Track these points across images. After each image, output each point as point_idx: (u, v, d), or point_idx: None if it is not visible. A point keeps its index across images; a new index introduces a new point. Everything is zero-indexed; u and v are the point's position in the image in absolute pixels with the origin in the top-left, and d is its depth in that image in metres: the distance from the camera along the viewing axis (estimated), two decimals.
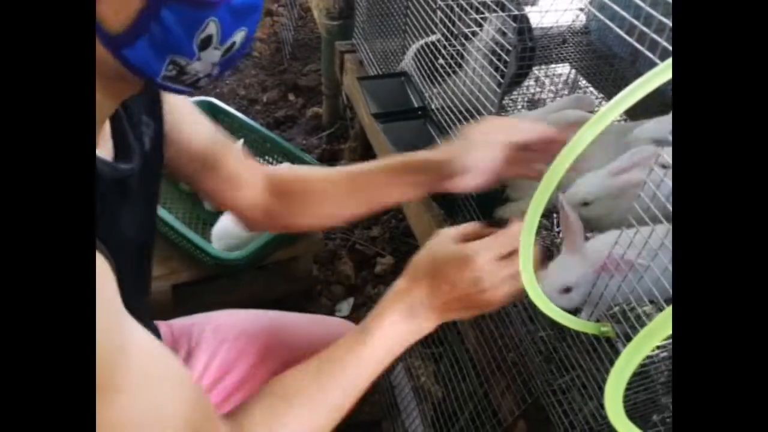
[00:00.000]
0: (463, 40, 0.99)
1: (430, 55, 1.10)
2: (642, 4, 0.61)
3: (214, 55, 0.49)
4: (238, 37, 0.50)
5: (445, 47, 1.01)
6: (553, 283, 0.82)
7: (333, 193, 0.81)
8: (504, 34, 0.84)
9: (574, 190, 1.05)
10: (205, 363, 0.87)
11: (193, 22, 0.46)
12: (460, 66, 1.02)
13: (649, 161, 1.11)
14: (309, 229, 1.32)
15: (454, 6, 1.00)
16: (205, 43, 0.48)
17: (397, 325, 0.61)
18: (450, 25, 1.03)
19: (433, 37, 1.07)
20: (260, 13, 0.51)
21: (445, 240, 0.65)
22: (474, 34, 1.00)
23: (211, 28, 0.47)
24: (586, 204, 1.06)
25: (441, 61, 1.06)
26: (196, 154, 0.73)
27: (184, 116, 0.71)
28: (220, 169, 0.76)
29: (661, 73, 0.43)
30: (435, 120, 1.12)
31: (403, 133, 1.10)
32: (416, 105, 1.15)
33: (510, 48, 0.82)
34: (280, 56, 2.52)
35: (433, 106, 1.16)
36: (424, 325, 0.63)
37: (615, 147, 1.12)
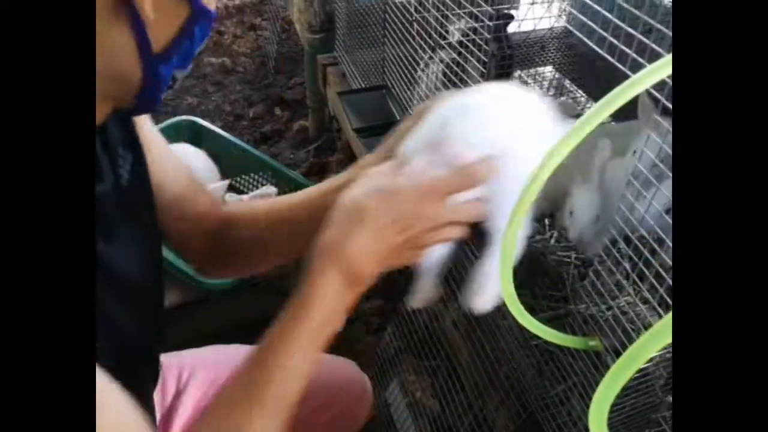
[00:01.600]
0: (440, 52, 0.98)
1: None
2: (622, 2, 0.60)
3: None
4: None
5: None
6: (584, 218, 0.86)
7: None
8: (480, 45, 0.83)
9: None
10: (193, 406, 0.82)
11: (205, 35, 0.47)
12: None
13: (569, 110, 1.12)
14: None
15: (429, 18, 0.99)
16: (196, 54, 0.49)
17: (335, 296, 0.51)
18: (426, 36, 1.02)
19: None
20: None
21: (377, 175, 0.53)
22: (450, 44, 0.99)
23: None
24: None
25: (420, 73, 1.05)
26: (164, 201, 0.68)
27: (155, 160, 0.65)
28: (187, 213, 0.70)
29: (634, 86, 0.42)
30: None
31: None
32: (399, 118, 1.14)
33: (486, 59, 0.82)
34: (265, 70, 2.52)
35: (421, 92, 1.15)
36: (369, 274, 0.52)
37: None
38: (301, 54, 2.59)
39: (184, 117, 1.64)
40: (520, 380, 0.87)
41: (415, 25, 1.02)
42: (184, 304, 1.36)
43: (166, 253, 1.26)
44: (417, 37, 1.03)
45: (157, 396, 0.79)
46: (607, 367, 0.63)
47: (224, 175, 1.63)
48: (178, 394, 0.83)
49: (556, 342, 0.61)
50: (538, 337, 0.88)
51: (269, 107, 2.31)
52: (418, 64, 1.05)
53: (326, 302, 0.51)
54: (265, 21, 2.81)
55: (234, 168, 1.64)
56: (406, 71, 1.14)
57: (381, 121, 1.16)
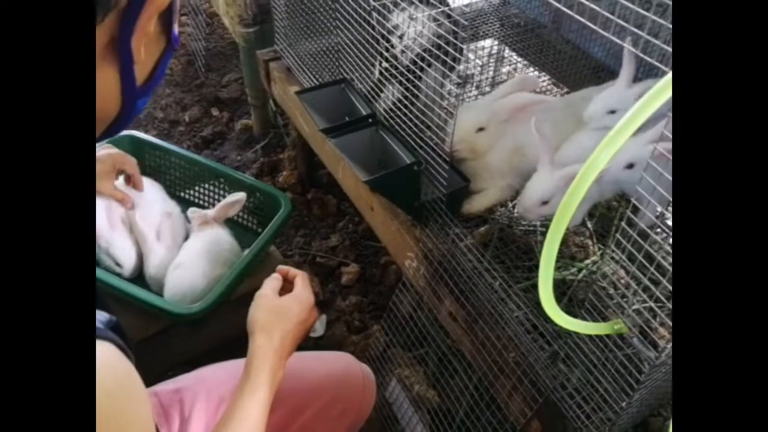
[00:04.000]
0: (408, 41, 0.94)
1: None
2: None
3: None
4: None
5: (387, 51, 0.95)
6: (531, 198, 0.94)
7: None
8: (452, 32, 0.80)
9: (465, 117, 1.06)
10: (204, 430, 0.82)
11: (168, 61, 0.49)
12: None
13: (531, 85, 1.14)
14: None
15: (390, 5, 0.94)
16: None
17: (277, 372, 0.75)
18: (385, 22, 0.97)
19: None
20: None
21: (270, 297, 0.82)
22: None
23: None
24: (480, 130, 1.07)
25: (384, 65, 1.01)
26: None
27: None
28: None
29: (664, 89, 0.40)
30: (386, 124, 1.07)
31: (357, 145, 1.04)
32: (364, 112, 1.09)
33: (462, 46, 0.78)
34: (194, 70, 2.37)
35: (381, 109, 1.11)
36: (281, 370, 0.77)
37: (565, 121, 1.12)
38: (230, 48, 2.46)
39: (122, 134, 1.50)
40: (532, 366, 0.87)
41: (375, 15, 0.97)
42: (156, 333, 1.27)
43: (128, 286, 1.17)
44: (378, 26, 0.98)
45: (163, 430, 0.81)
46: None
47: (171, 189, 1.52)
48: (183, 421, 0.83)
49: (587, 332, 0.61)
50: (545, 321, 0.88)
51: (205, 109, 2.18)
52: (380, 54, 1.01)
53: (273, 387, 0.74)
54: (185, 16, 2.63)
55: (182, 181, 1.53)
56: (365, 60, 1.09)
57: (344, 117, 1.10)
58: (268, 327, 0.77)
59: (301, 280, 0.86)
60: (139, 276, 1.31)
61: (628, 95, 0.96)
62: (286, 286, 0.86)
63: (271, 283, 0.85)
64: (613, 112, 0.99)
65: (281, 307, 0.80)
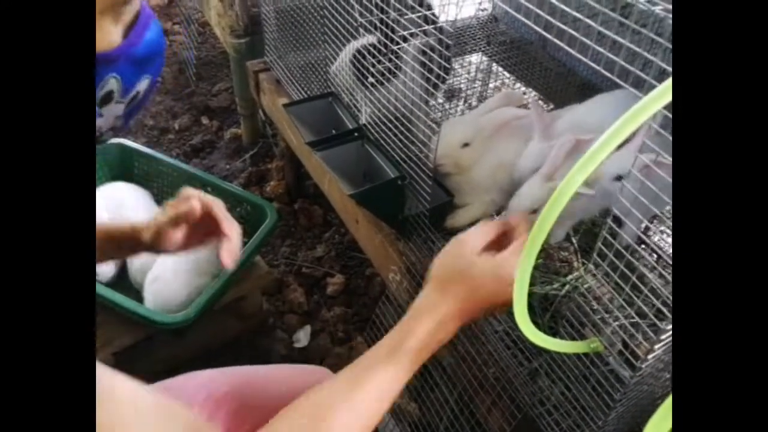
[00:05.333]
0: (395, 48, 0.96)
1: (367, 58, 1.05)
2: None
3: (117, 108, 0.50)
4: (143, 85, 0.52)
5: (377, 53, 0.97)
6: (521, 206, 0.94)
7: None
8: (437, 43, 0.81)
9: (450, 132, 1.07)
10: None
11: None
12: (395, 75, 0.99)
13: (515, 100, 1.16)
14: None
15: (376, 22, 0.96)
16: (106, 100, 0.48)
17: (427, 347, 0.62)
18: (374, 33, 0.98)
19: (369, 39, 1.01)
20: (164, 58, 0.55)
21: (469, 249, 0.67)
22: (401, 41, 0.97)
23: (111, 84, 0.48)
24: (465, 145, 1.08)
25: (376, 67, 1.02)
26: None
27: None
28: None
29: (642, 111, 0.41)
30: (372, 138, 1.08)
31: (343, 158, 1.05)
32: (350, 126, 1.10)
33: (448, 55, 0.80)
34: (185, 78, 2.37)
35: (363, 120, 1.12)
36: (450, 333, 0.64)
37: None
38: (221, 57, 2.46)
39: (112, 141, 1.50)
40: (511, 382, 0.87)
41: (362, 31, 0.98)
42: (140, 341, 1.26)
43: (114, 295, 1.16)
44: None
45: None
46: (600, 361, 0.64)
47: (159, 197, 1.53)
48: None
49: (564, 350, 0.61)
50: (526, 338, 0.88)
51: (195, 117, 2.18)
52: (367, 70, 1.02)
53: (416, 360, 0.61)
54: (177, 25, 2.64)
55: (170, 189, 1.53)
56: (362, 64, 1.10)
57: (330, 130, 1.11)
58: (445, 286, 0.65)
59: (518, 246, 0.66)
60: (120, 281, 1.32)
61: (545, 150, 0.96)
62: (502, 239, 0.69)
63: (483, 233, 0.68)
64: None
65: (475, 271, 0.65)
